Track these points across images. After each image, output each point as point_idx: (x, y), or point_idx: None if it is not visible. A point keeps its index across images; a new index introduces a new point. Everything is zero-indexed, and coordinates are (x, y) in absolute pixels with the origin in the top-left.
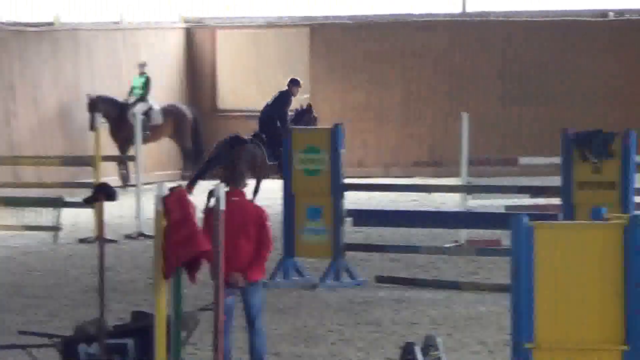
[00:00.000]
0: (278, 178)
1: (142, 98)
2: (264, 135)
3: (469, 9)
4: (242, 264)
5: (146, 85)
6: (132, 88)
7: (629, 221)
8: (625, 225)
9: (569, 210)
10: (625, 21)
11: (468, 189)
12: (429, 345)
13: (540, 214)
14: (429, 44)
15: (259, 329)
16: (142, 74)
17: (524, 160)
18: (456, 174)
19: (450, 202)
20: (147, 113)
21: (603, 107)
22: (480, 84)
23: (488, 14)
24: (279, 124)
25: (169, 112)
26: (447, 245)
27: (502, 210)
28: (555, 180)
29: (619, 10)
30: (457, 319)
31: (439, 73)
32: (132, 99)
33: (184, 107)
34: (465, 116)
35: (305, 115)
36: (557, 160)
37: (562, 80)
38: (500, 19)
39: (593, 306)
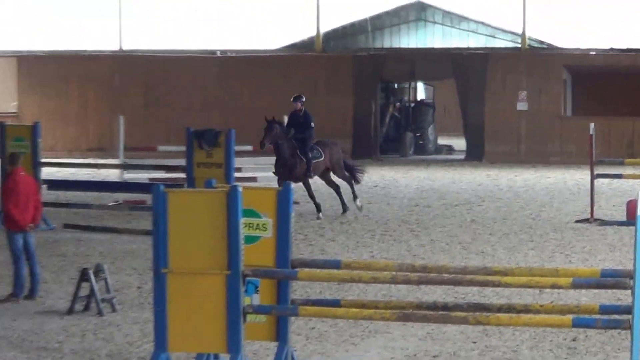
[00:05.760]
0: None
1: None
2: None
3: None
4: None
5: None
6: None
7: (229, 189)
8: (227, 191)
9: (191, 182)
10: (229, 58)
11: (124, 167)
12: (98, 270)
13: (172, 184)
14: (96, 70)
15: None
16: None
17: (161, 147)
18: (116, 156)
19: (113, 175)
20: None
21: (208, 114)
22: (129, 97)
23: (138, 51)
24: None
25: None
26: (111, 204)
27: (147, 181)
28: (182, 162)
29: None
30: (117, 252)
31: (104, 91)
32: None
33: None
34: (121, 118)
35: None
36: (183, 148)
37: (185, 96)
38: (146, 55)
39: (207, 243)
